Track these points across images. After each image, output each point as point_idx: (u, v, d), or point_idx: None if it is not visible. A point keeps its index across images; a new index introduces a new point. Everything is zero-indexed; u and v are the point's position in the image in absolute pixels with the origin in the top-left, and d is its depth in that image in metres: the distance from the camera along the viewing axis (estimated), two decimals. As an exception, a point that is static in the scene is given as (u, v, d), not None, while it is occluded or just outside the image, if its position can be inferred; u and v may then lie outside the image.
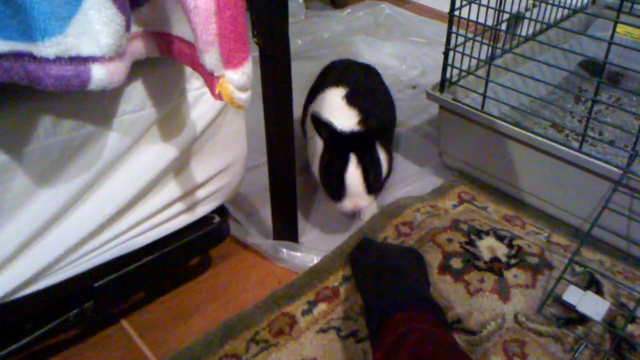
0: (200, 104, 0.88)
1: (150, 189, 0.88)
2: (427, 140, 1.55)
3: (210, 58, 0.69)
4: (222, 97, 0.72)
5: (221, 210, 1.04)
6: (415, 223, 1.22)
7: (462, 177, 1.40)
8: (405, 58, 1.88)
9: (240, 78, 0.69)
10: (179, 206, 0.94)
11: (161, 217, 0.92)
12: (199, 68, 0.73)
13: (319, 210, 1.31)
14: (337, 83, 1.29)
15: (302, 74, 1.57)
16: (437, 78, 1.32)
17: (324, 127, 1.13)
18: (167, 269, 1.03)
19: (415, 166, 1.47)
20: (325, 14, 2.10)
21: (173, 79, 0.84)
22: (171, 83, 0.84)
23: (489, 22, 1.26)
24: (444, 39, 1.26)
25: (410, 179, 1.42)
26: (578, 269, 1.11)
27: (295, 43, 1.87)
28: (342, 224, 1.27)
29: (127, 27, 0.66)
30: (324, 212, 1.30)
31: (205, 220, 1.01)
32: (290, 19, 2.04)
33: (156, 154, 0.85)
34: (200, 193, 0.96)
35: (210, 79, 0.72)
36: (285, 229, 1.17)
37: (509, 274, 1.09)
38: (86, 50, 0.62)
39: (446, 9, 1.23)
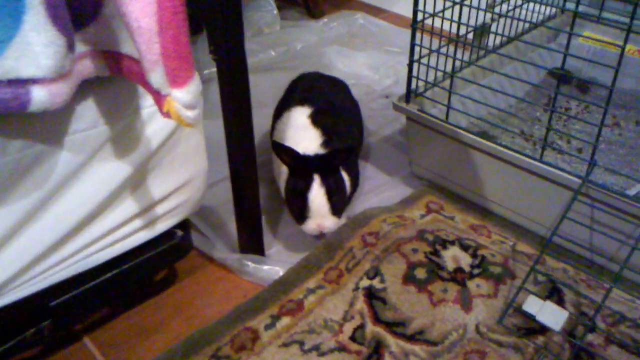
0: (155, 120, 0.88)
1: (105, 207, 0.87)
2: (398, 150, 1.56)
3: (156, 77, 0.69)
4: (170, 116, 0.72)
5: (183, 225, 1.04)
6: (382, 233, 1.22)
7: (431, 186, 1.40)
8: (379, 67, 1.89)
9: (186, 96, 0.70)
10: (137, 223, 0.94)
11: (119, 234, 0.92)
12: (148, 86, 0.73)
13: (286, 222, 1.31)
14: (302, 101, 1.30)
15: (276, 85, 1.58)
16: (409, 88, 1.34)
17: (286, 153, 1.14)
18: (129, 285, 1.02)
19: (386, 176, 1.48)
20: (300, 24, 2.11)
21: (126, 96, 0.84)
22: (124, 100, 0.84)
23: (454, 33, 1.27)
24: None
25: (380, 189, 1.43)
26: (540, 277, 1.12)
27: (269, 54, 1.88)
28: (309, 236, 1.27)
29: (70, 48, 0.67)
30: (291, 224, 1.30)
31: (166, 235, 1.01)
32: (265, 30, 2.08)
33: (110, 171, 0.85)
34: (160, 209, 0.96)
35: (158, 98, 0.73)
36: (251, 242, 1.17)
37: (471, 284, 1.10)
38: (26, 72, 0.62)
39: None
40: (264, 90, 1.54)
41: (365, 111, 1.69)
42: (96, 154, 0.83)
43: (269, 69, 1.80)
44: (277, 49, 1.90)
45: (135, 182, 0.90)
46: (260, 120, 1.39)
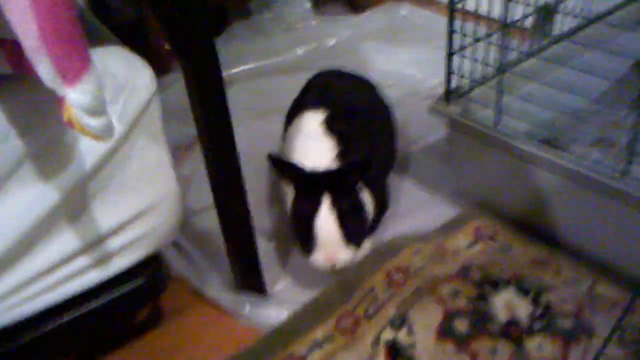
0: (93, 131, 0.67)
1: (32, 242, 0.68)
2: (444, 162, 1.29)
3: (44, 71, 0.49)
4: (73, 126, 0.51)
5: (153, 262, 0.84)
6: (413, 269, 0.96)
7: (482, 207, 1.12)
8: (424, 65, 1.63)
9: (83, 97, 0.49)
10: (82, 260, 0.74)
11: (59, 274, 0.73)
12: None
13: (298, 252, 1.07)
14: (316, 104, 1.06)
15: (300, 89, 1.36)
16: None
17: (288, 170, 0.92)
18: (83, 336, 0.83)
19: (426, 193, 1.21)
20: (337, 19, 1.87)
21: (47, 101, 0.64)
22: (45, 107, 0.64)
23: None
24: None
25: (417, 209, 1.17)
26: (630, 336, 0.82)
27: (294, 53, 1.66)
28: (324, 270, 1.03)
29: None
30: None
31: (128, 275, 0.81)
32: (298, 25, 1.85)
33: (32, 197, 0.66)
34: (113, 243, 0.76)
35: (59, 102, 0.52)
36: (248, 279, 0.95)
37: (531, 343, 0.82)
38: None
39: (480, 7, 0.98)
40: (286, 93, 1.31)
41: (405, 115, 1.44)
42: (10, 175, 0.64)
43: (294, 69, 1.58)
44: (305, 47, 1.68)
45: (72, 211, 0.70)
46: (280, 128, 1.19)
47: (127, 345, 0.92)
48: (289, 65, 1.64)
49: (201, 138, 0.81)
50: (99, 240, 0.74)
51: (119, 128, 0.69)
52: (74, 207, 0.70)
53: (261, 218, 1.16)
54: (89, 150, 0.68)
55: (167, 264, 0.90)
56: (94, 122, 0.50)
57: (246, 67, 1.63)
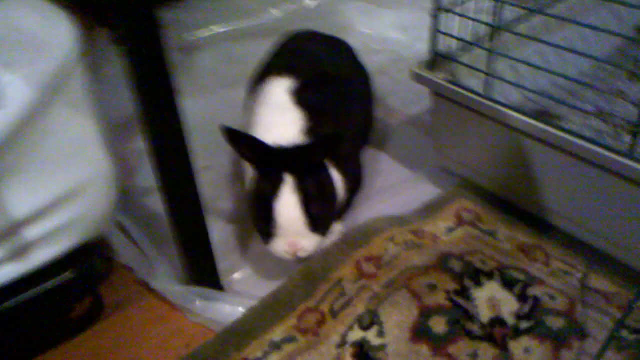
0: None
1: None
2: (426, 137, 1.17)
3: None
4: None
5: (85, 252, 0.72)
6: (386, 258, 0.86)
7: (465, 187, 1.02)
8: (411, 29, 1.52)
9: None
10: (-8, 253, 0.62)
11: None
12: None
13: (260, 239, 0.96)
14: (284, 70, 0.94)
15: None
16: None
17: (245, 145, 0.80)
18: (11, 334, 0.72)
19: (407, 170, 1.11)
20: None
21: None
22: None
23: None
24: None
25: (396, 189, 1.06)
26: (629, 336, 0.73)
27: (270, 15, 1.52)
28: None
29: None
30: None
31: (55, 268, 0.69)
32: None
33: None
34: (30, 232, 0.64)
35: None
36: (199, 269, 0.84)
37: (517, 347, 0.73)
38: None
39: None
40: (258, 60, 1.18)
41: (388, 83, 1.33)
42: None
43: (269, 33, 1.43)
44: (281, 8, 1.54)
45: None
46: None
47: (62, 345, 0.81)
48: (263, 28, 1.51)
49: (140, 111, 0.68)
50: (12, 229, 0.63)
51: (29, 93, 0.57)
52: (-28, 191, 0.58)
53: (221, 198, 1.05)
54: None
55: (104, 254, 0.79)
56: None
57: (215, 29, 1.51)
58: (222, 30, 1.52)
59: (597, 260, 0.86)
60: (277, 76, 0.94)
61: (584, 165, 0.80)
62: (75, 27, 0.63)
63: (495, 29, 0.93)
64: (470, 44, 0.94)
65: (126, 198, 1.03)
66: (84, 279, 0.73)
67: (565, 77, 0.84)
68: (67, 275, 0.70)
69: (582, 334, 0.74)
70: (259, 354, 0.75)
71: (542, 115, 0.92)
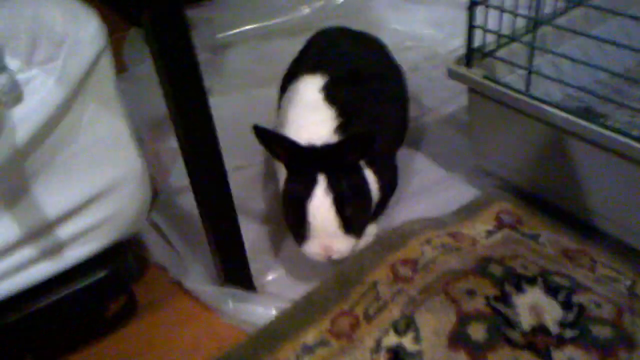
0: (26, 96, 0.55)
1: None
2: (462, 136, 1.14)
3: None
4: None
5: (119, 251, 0.72)
6: (422, 262, 0.83)
7: (505, 188, 0.98)
8: (445, 25, 1.48)
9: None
10: (27, 252, 0.63)
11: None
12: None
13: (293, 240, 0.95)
14: (315, 67, 0.92)
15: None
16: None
17: (278, 145, 0.78)
18: (39, 335, 0.72)
19: (443, 170, 1.08)
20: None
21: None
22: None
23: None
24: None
25: (432, 189, 1.03)
26: (681, 349, 0.69)
27: (300, 12, 1.50)
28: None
29: None
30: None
31: (86, 267, 0.69)
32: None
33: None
34: (64, 231, 0.64)
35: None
36: (231, 269, 0.83)
37: (560, 357, 0.69)
38: None
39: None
40: (289, 58, 1.16)
41: (422, 81, 1.30)
42: None
43: (299, 30, 1.42)
44: (311, 5, 1.52)
45: (7, 194, 0.58)
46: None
47: (95, 343, 0.81)
48: (293, 26, 1.49)
49: (170, 110, 0.68)
50: (45, 227, 0.63)
51: (55, 89, 0.57)
52: (9, 188, 0.58)
53: (254, 198, 1.04)
54: (22, 120, 0.55)
55: (138, 253, 0.79)
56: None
57: (245, 28, 1.49)
58: (251, 27, 1.51)
59: (647, 266, 0.82)
60: (309, 74, 0.92)
61: (631, 165, 0.76)
62: (104, 25, 0.63)
63: (536, 22, 0.90)
64: (510, 38, 0.91)
65: (161, 197, 1.03)
66: (117, 278, 0.73)
67: (612, 72, 0.81)
68: (100, 273, 0.70)
69: (630, 344, 0.70)
70: (292, 357, 0.74)
71: (585, 112, 0.88)
